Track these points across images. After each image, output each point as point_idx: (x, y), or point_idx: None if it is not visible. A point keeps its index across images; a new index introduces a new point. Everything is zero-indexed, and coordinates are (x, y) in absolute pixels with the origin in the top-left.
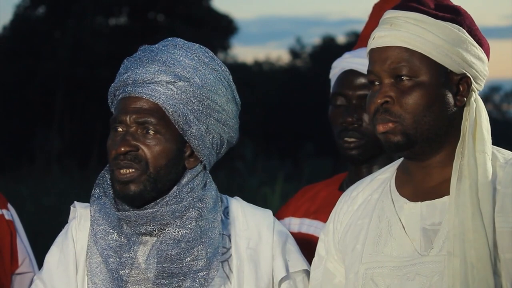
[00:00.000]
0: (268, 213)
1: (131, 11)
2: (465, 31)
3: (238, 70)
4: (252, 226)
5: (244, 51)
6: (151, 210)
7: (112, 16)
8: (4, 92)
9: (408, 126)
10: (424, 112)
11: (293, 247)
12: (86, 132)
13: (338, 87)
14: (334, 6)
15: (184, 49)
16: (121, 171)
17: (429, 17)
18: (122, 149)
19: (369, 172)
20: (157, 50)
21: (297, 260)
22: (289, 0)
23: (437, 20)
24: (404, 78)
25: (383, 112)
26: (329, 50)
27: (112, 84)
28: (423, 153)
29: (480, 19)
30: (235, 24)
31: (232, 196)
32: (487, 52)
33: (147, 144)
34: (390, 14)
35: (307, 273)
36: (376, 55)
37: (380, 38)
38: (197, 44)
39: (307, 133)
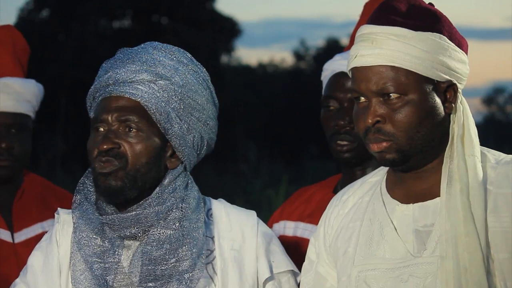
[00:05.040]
0: (252, 214)
1: (135, 14)
2: (446, 37)
3: (242, 73)
4: (235, 228)
5: (248, 54)
6: (135, 212)
7: (116, 19)
8: None
9: (402, 143)
10: (416, 128)
11: (277, 247)
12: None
13: (329, 90)
14: (338, 8)
15: (163, 50)
16: (102, 164)
17: (410, 31)
18: (105, 146)
19: (363, 174)
20: (136, 52)
21: (281, 260)
22: (293, 2)
23: (417, 32)
24: (392, 96)
25: (375, 132)
26: (333, 52)
27: (91, 87)
28: (418, 165)
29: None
30: (239, 26)
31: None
32: (466, 51)
33: (129, 141)
34: (368, 30)
35: (293, 273)
36: (360, 74)
37: (363, 57)
38: (176, 47)
39: (311, 136)
